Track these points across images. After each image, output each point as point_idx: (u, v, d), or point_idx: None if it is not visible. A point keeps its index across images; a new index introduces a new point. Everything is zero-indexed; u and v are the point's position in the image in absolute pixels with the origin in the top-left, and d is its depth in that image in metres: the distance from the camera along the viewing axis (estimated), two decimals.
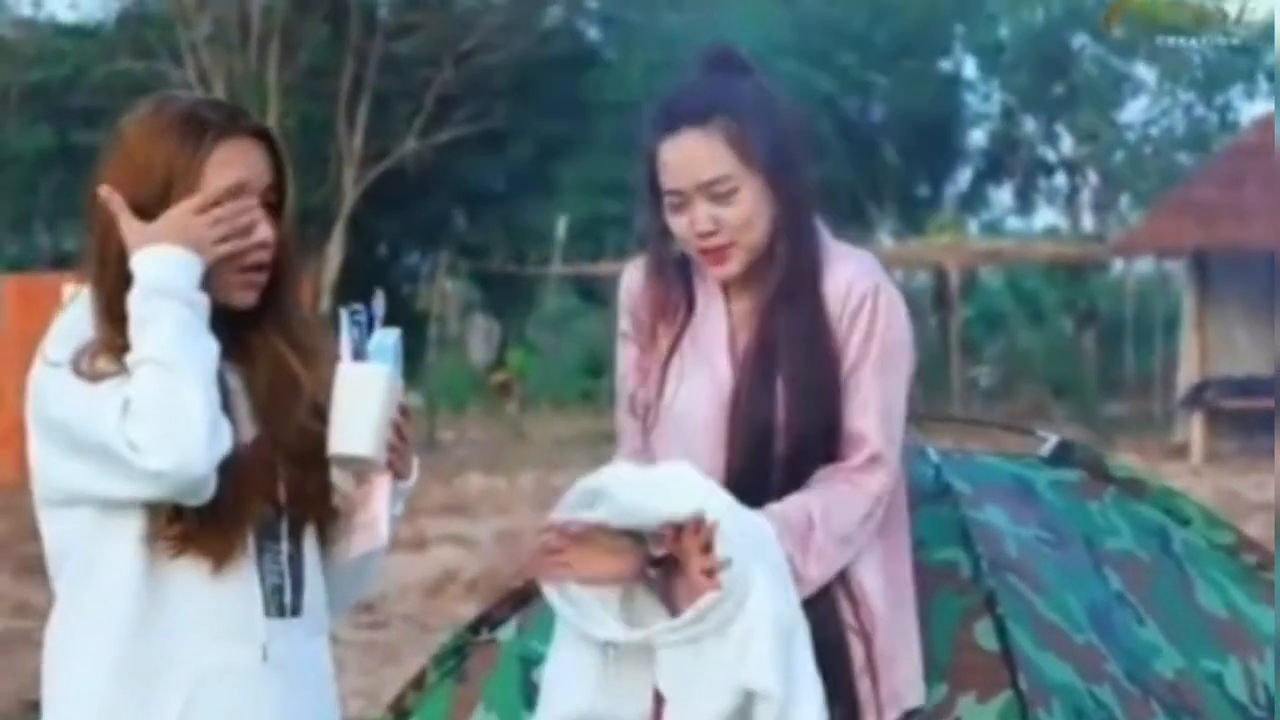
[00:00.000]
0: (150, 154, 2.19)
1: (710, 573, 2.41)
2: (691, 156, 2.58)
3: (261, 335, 2.26)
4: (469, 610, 6.43)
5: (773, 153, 2.60)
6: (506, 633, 3.32)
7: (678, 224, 2.60)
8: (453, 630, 3.54)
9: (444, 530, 10.88)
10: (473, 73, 22.59)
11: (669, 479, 2.49)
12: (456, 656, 3.36)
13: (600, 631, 2.49)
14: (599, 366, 17.81)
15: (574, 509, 2.51)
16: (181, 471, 2.08)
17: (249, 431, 2.22)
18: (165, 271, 2.14)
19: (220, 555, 2.19)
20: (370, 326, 2.22)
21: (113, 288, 2.18)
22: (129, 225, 2.17)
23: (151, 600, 2.18)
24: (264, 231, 2.21)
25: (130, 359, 2.13)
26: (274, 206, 2.24)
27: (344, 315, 2.22)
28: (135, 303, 2.14)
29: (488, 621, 3.34)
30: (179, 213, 2.17)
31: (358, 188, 22.27)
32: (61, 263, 21.74)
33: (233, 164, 2.20)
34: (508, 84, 23.07)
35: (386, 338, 2.22)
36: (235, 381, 2.24)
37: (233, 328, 2.24)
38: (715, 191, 2.58)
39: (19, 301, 13.78)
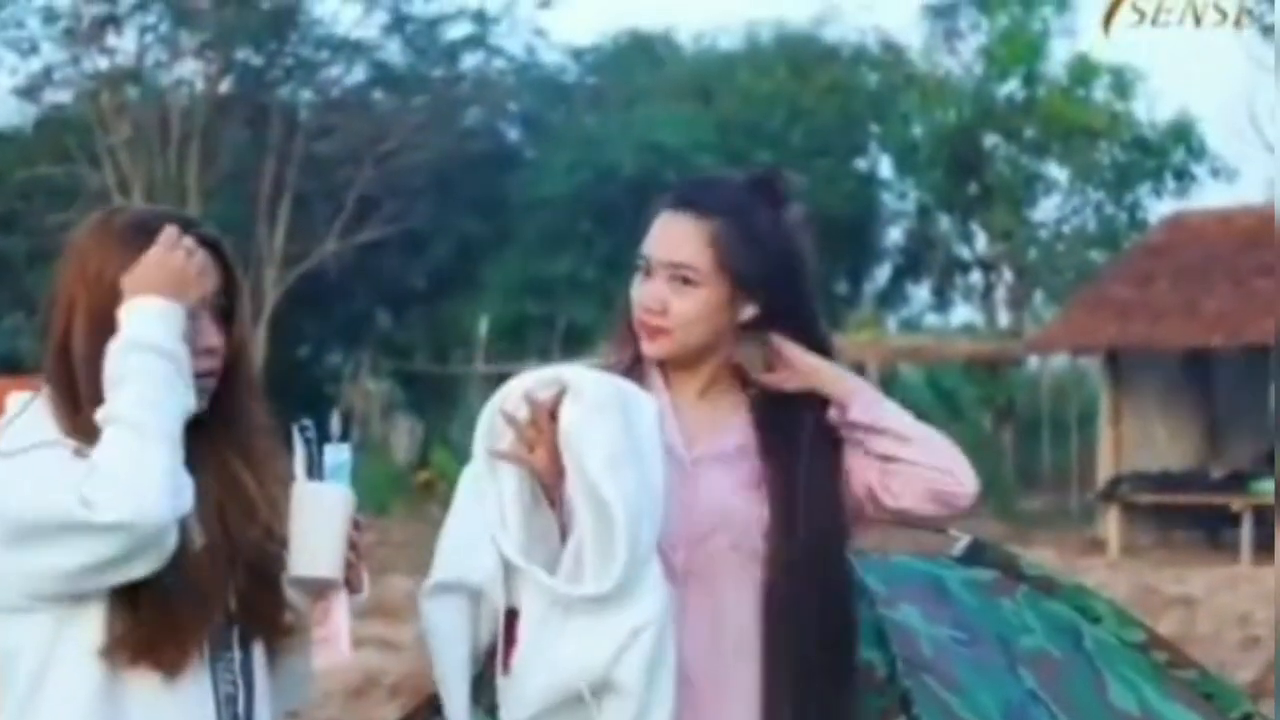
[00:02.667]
0: (102, 265, 2.22)
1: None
2: (673, 234, 2.64)
3: (211, 443, 2.26)
4: (391, 715, 6.39)
5: (756, 275, 2.64)
6: None
7: (636, 289, 2.67)
8: None
9: (367, 633, 10.78)
10: (393, 172, 22.64)
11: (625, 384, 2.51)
12: None
13: (503, 540, 2.47)
14: None
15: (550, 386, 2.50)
16: (139, 521, 2.07)
17: (198, 540, 2.22)
18: (145, 324, 2.16)
19: (176, 663, 2.18)
20: (323, 442, 2.25)
21: (74, 382, 2.21)
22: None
23: (106, 713, 2.17)
24: (211, 338, 2.25)
25: (99, 415, 2.14)
26: (225, 313, 2.28)
27: (296, 432, 2.25)
28: (112, 358, 2.16)
29: None
30: (156, 253, 2.20)
31: (278, 288, 22.21)
32: None
33: None
34: (428, 183, 23.12)
35: (340, 454, 2.25)
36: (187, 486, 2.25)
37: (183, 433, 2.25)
38: (676, 275, 2.63)
39: None
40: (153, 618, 2.16)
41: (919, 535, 3.72)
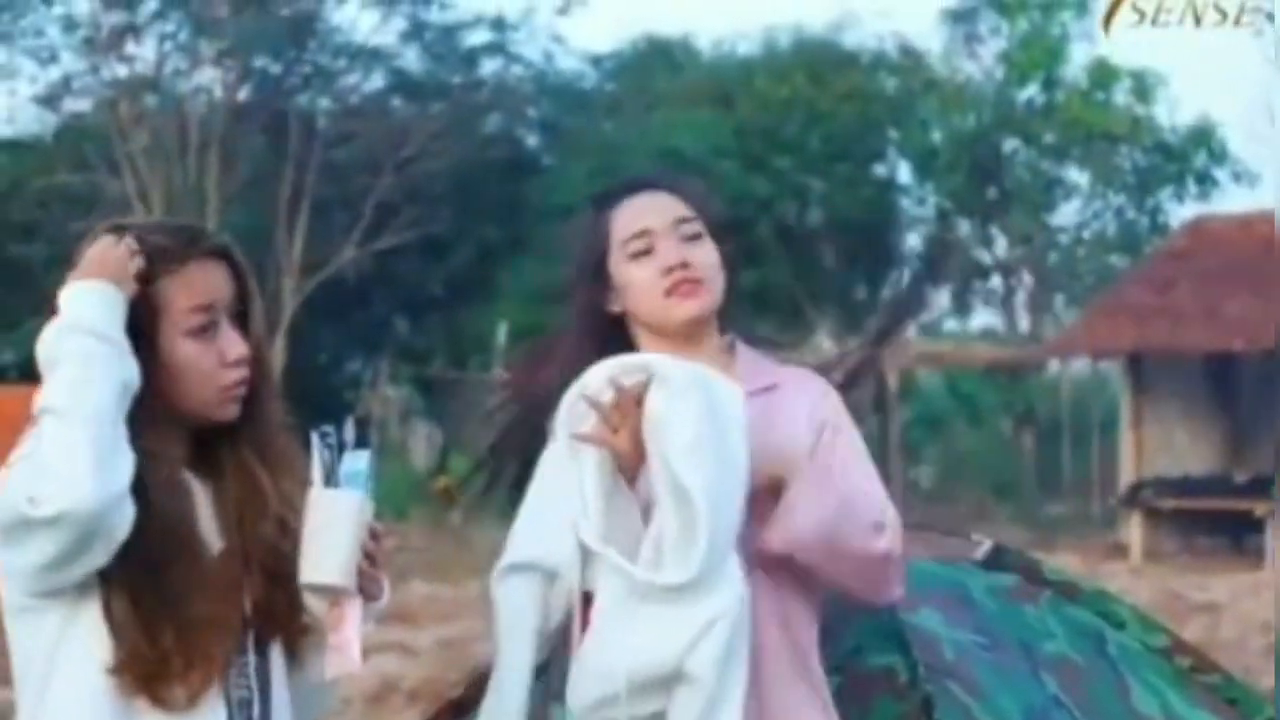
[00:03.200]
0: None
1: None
2: (657, 202, 2.62)
3: (233, 448, 2.28)
4: None
5: (712, 211, 2.65)
6: None
7: (641, 272, 2.60)
8: None
9: (386, 639, 10.78)
10: (412, 179, 22.66)
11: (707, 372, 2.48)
12: None
13: (583, 524, 2.45)
14: None
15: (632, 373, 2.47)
16: (75, 509, 2.05)
17: (216, 544, 2.23)
18: (80, 306, 2.16)
19: (195, 693, 2.16)
20: (341, 449, 2.23)
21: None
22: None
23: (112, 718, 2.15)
24: (238, 349, 2.25)
25: (35, 408, 2.14)
26: (241, 320, 2.28)
27: (315, 438, 2.23)
28: (45, 343, 2.16)
29: None
30: (97, 248, 2.21)
31: (297, 296, 22.23)
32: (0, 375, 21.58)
33: (198, 288, 2.24)
34: (447, 190, 23.14)
35: (358, 461, 2.23)
36: (203, 493, 2.26)
37: (202, 439, 2.27)
38: (685, 232, 2.61)
39: None
40: (169, 643, 2.14)
41: (941, 540, 3.69)
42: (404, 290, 24.42)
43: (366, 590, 2.24)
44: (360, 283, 22.99)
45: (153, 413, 2.19)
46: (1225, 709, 3.30)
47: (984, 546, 3.41)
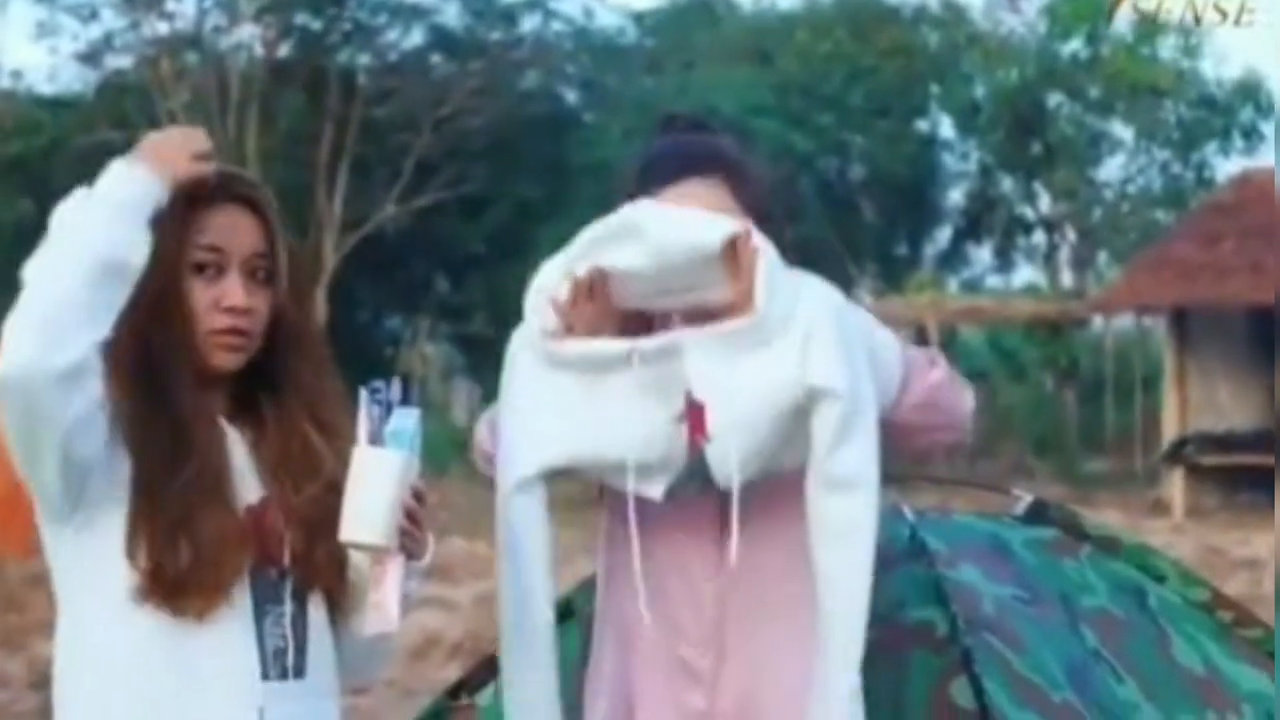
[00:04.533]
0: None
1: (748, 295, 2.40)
2: (702, 201, 2.56)
3: (276, 401, 2.27)
4: (451, 675, 6.40)
5: (762, 204, 2.62)
6: (485, 697, 3.31)
7: None
8: (434, 695, 3.53)
9: (426, 594, 10.78)
10: (451, 137, 22.67)
11: (699, 216, 2.48)
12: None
13: (614, 347, 2.45)
14: None
15: (601, 244, 2.50)
16: (8, 373, 2.04)
17: (254, 492, 2.22)
18: (103, 180, 2.15)
19: (200, 609, 2.16)
20: (389, 408, 2.20)
21: (126, 348, 2.16)
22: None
23: (139, 663, 2.16)
24: (235, 298, 2.22)
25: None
26: (268, 276, 2.25)
27: (363, 395, 2.21)
28: (55, 213, 2.13)
29: (466, 686, 3.33)
30: (160, 134, 2.20)
31: (337, 254, 22.30)
32: None
33: (214, 230, 2.22)
34: (486, 148, 23.14)
35: (405, 419, 2.20)
36: (241, 442, 2.25)
37: (244, 388, 2.26)
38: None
39: None
40: (186, 563, 2.14)
41: (981, 495, 3.68)
42: (443, 247, 24.47)
43: (409, 549, 2.22)
44: (400, 240, 23.05)
45: (174, 369, 2.19)
46: (1266, 662, 3.28)
47: (1024, 501, 3.39)
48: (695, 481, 2.48)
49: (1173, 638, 3.24)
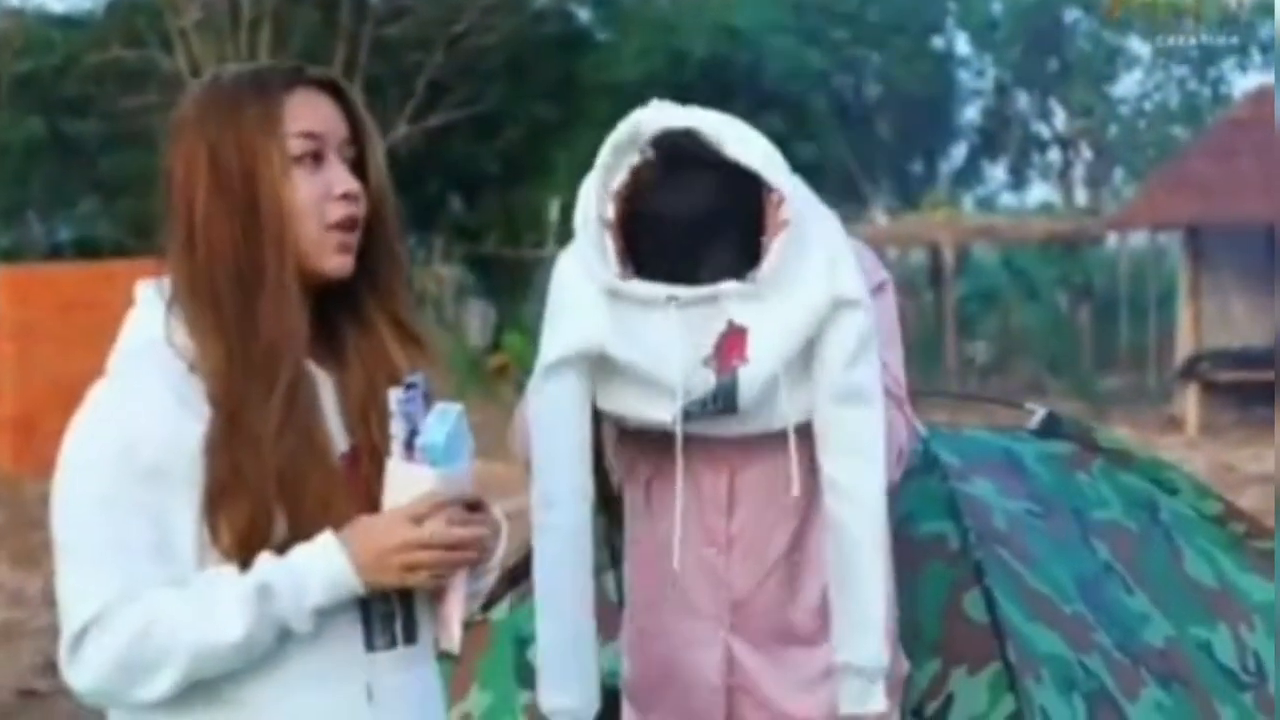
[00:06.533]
0: (218, 135, 1.95)
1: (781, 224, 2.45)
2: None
3: (360, 323, 2.01)
4: None
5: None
6: (499, 612, 3.33)
7: None
8: None
9: None
10: (464, 56, 22.52)
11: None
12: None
13: (656, 290, 2.48)
14: None
15: (623, 151, 2.57)
16: (83, 690, 1.91)
17: (342, 441, 1.97)
18: (312, 586, 1.89)
19: None
20: (428, 400, 1.95)
21: (211, 275, 1.93)
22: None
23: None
24: (346, 183, 1.98)
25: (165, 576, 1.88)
26: (357, 163, 2.02)
27: (392, 398, 1.94)
28: (257, 570, 1.89)
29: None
30: (386, 525, 1.91)
31: None
32: (55, 253, 21.71)
33: (302, 115, 1.99)
34: (500, 67, 23.00)
35: (446, 419, 1.93)
36: (327, 382, 1.99)
37: (325, 314, 2.00)
38: None
39: (12, 292, 13.75)
40: (281, 538, 1.91)
41: (994, 411, 3.68)
42: (457, 168, 24.37)
43: (469, 559, 1.98)
44: (413, 160, 22.93)
45: (273, 279, 1.93)
46: None
47: (1038, 415, 3.39)
48: (706, 415, 2.49)
49: (1184, 550, 3.25)
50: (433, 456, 1.92)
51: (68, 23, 23.49)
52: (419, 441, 1.92)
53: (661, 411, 2.48)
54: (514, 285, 24.04)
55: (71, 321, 12.21)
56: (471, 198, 25.61)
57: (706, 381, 2.46)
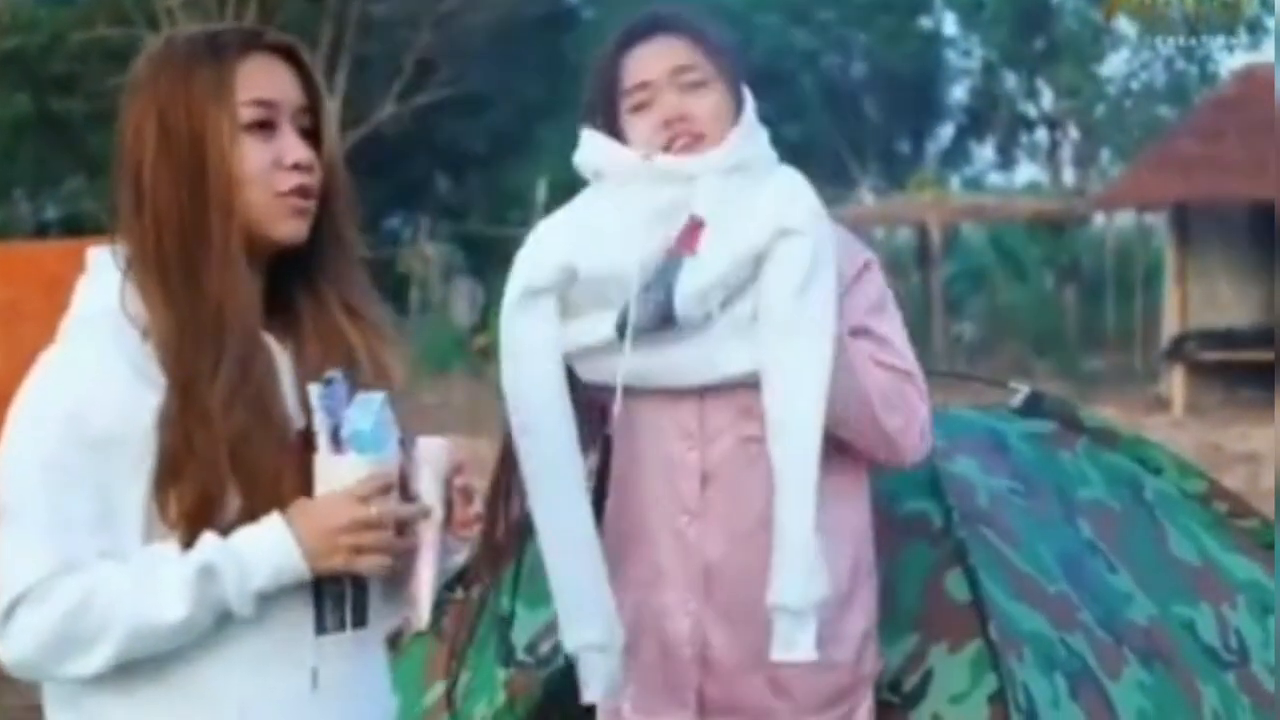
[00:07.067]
0: (170, 96, 1.92)
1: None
2: (662, 50, 2.61)
3: (314, 297, 1.97)
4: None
5: (728, 63, 2.64)
6: (480, 590, 3.32)
7: (640, 125, 2.59)
8: None
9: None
10: (451, 34, 22.47)
11: None
12: (433, 614, 3.35)
13: (635, 153, 2.55)
14: None
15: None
16: (9, 663, 1.87)
17: (300, 418, 1.93)
18: (259, 561, 1.86)
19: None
20: (352, 390, 1.93)
21: (158, 240, 1.89)
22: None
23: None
24: (298, 153, 1.94)
25: (105, 550, 1.85)
26: (310, 133, 1.98)
27: (312, 393, 1.91)
28: (200, 550, 1.85)
29: (463, 580, 3.34)
30: (332, 505, 1.88)
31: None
32: (41, 231, 21.65)
33: (256, 82, 1.94)
34: (486, 46, 22.95)
35: (365, 416, 1.91)
36: (282, 355, 1.95)
37: (281, 287, 1.96)
38: (684, 81, 2.59)
39: None
40: (233, 516, 1.88)
41: (978, 388, 3.67)
42: (444, 147, 24.34)
43: (413, 544, 1.96)
44: (400, 139, 22.89)
45: (219, 245, 1.89)
46: (1261, 553, 3.29)
47: (1021, 393, 3.39)
48: (649, 323, 2.49)
49: (1168, 530, 3.25)
50: (360, 444, 1.89)
51: (54, 0, 23.40)
52: (344, 433, 1.89)
53: (608, 327, 2.48)
54: (501, 264, 23.95)
55: (57, 299, 12.04)
56: (458, 176, 25.58)
57: (659, 271, 2.48)
